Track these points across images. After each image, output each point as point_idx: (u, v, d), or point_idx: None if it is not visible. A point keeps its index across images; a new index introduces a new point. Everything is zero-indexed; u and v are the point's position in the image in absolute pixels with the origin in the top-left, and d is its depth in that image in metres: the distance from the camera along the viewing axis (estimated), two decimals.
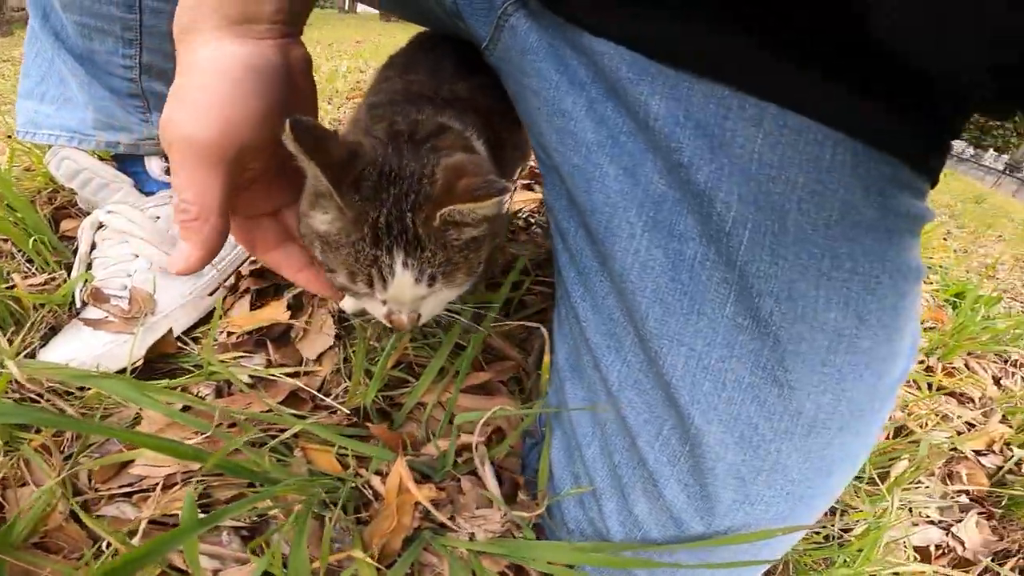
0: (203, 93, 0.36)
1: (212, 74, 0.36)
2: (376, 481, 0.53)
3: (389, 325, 0.46)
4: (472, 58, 0.55)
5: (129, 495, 0.50)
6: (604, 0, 0.41)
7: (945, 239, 1.96)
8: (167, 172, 0.70)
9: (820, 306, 0.39)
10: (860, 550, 0.62)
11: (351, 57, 3.90)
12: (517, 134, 0.63)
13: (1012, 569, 0.75)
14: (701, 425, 0.42)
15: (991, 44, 0.32)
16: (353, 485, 0.52)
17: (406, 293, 0.43)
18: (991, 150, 18.99)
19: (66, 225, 0.72)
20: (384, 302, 0.45)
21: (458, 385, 0.55)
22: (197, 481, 0.50)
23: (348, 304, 0.65)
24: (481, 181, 0.39)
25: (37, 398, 0.55)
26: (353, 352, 0.64)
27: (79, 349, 0.58)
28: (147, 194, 0.70)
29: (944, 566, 0.72)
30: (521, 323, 0.68)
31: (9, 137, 1.04)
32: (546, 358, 0.50)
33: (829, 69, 0.38)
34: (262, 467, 0.48)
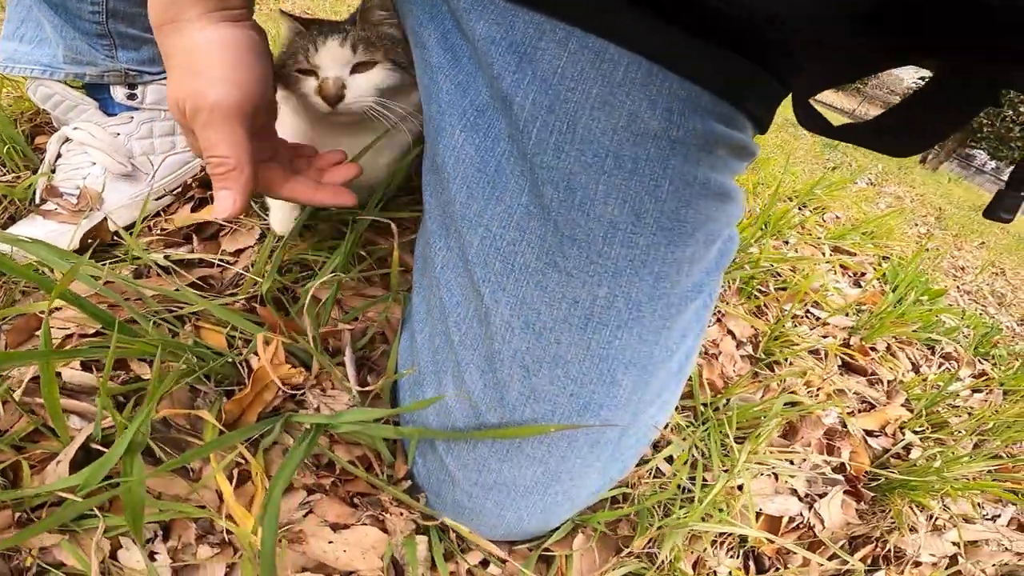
0: (217, 66, 0.43)
1: (219, 50, 0.43)
2: (254, 360, 0.60)
3: (320, 101, 0.58)
4: None
5: None
6: None
7: (922, 236, 1.97)
8: (129, 98, 0.80)
9: (598, 199, 0.46)
10: (700, 501, 0.64)
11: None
12: None
13: (864, 557, 0.74)
14: (490, 304, 0.47)
15: None
16: (230, 360, 0.59)
17: (334, 56, 0.58)
18: (1007, 161, 18.48)
19: (39, 140, 0.83)
20: (316, 75, 0.58)
21: (334, 279, 0.63)
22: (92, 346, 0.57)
23: (276, 221, 0.74)
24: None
25: None
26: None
27: (27, 233, 0.68)
28: (110, 114, 0.80)
29: (795, 542, 0.71)
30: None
31: None
32: (395, 254, 0.57)
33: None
34: (147, 334, 0.56)
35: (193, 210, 0.78)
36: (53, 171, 0.77)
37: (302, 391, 0.61)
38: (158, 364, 0.50)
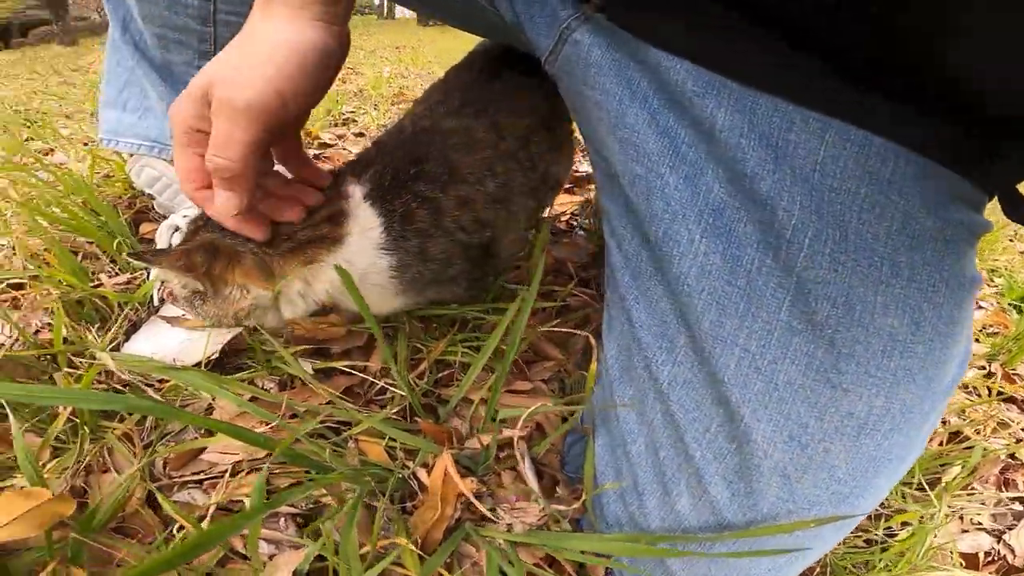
0: (269, 66, 0.41)
1: (283, 50, 0.41)
2: (422, 473, 0.56)
3: None
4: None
5: (199, 482, 0.54)
6: (672, 18, 0.43)
7: (1012, 240, 1.87)
8: None
9: (877, 311, 0.41)
10: (902, 554, 0.62)
11: (392, 63, 3.99)
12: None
13: None
14: (751, 423, 0.43)
15: None
16: (400, 476, 0.55)
17: None
18: None
19: (144, 228, 0.78)
20: None
21: (498, 381, 0.58)
22: (262, 468, 0.54)
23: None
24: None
25: (121, 389, 0.60)
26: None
27: (159, 345, 0.63)
28: None
29: (992, 574, 0.70)
30: (566, 329, 0.70)
31: (84, 144, 1.12)
32: (593, 365, 0.52)
33: (892, 90, 0.40)
34: (321, 457, 0.51)
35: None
36: None
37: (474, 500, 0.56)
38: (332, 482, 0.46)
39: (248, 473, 0.53)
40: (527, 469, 0.57)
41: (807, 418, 0.43)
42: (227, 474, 0.51)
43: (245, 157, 0.42)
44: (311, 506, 0.54)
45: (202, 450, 0.56)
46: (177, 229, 0.73)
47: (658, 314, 0.48)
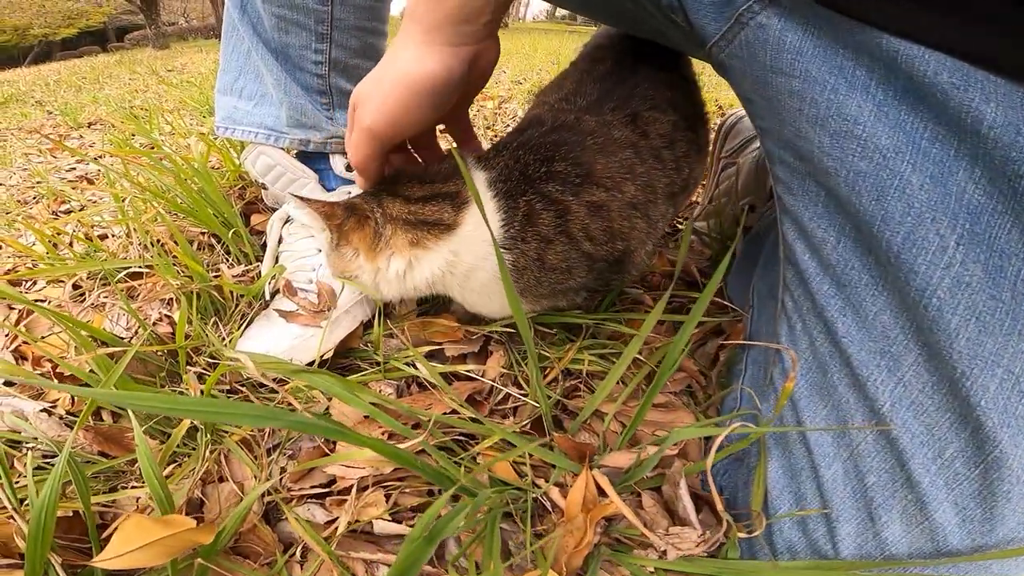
0: (389, 99, 0.48)
1: (404, 84, 0.47)
2: (555, 493, 0.51)
3: None
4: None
5: (320, 496, 0.50)
6: (918, 4, 0.38)
7: None
8: (348, 169, 0.71)
9: None
10: None
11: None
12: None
13: None
14: (1008, 449, 0.38)
15: None
16: (534, 496, 0.50)
17: None
18: None
19: (255, 220, 0.76)
20: None
21: (650, 396, 0.51)
22: (386, 485, 0.49)
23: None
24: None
25: (240, 388, 0.58)
26: (523, 359, 0.62)
27: (274, 340, 0.60)
28: (329, 190, 0.72)
29: None
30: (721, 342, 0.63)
31: (195, 136, 1.14)
32: (789, 384, 0.45)
33: None
34: (454, 474, 0.47)
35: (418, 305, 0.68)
36: (277, 259, 0.70)
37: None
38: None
39: (374, 489, 0.48)
40: (682, 492, 0.50)
41: None
42: (354, 490, 0.47)
43: (365, 162, 0.52)
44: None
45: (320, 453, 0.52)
46: (288, 220, 0.70)
47: (877, 328, 0.42)
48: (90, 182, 1.25)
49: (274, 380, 0.57)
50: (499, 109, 2.21)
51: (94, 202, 1.01)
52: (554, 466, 0.52)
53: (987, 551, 0.41)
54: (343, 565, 0.44)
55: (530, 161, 0.54)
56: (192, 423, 0.52)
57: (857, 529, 0.45)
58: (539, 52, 4.92)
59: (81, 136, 1.98)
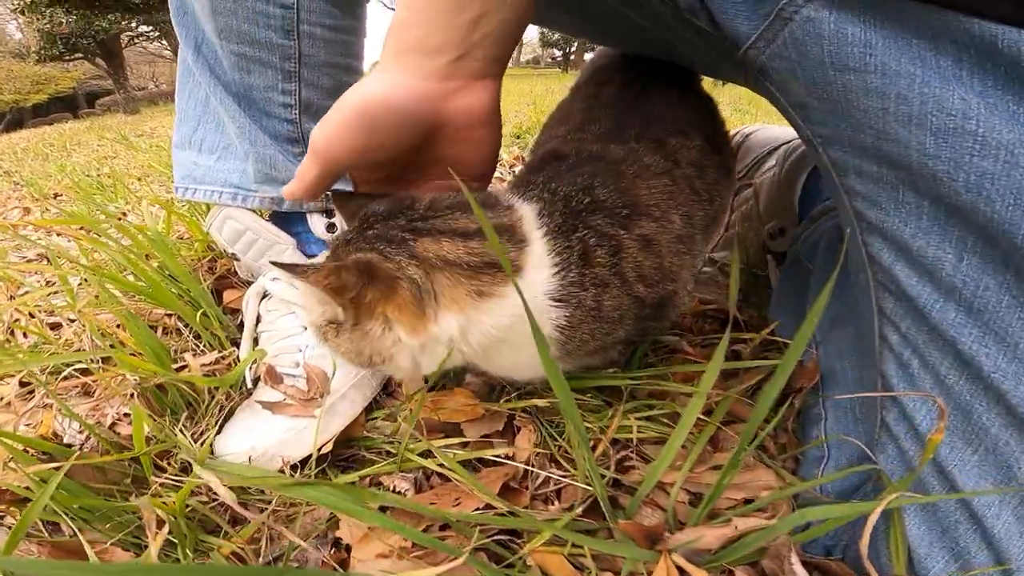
0: (331, 115, 0.44)
1: (347, 102, 0.43)
2: None
3: None
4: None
5: None
6: None
7: None
8: (328, 229, 0.63)
9: None
10: None
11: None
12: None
13: None
14: None
15: None
16: None
17: None
18: None
19: (228, 296, 0.67)
20: None
21: (736, 460, 0.42)
22: None
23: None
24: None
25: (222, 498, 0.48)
26: (558, 432, 0.52)
27: (260, 437, 0.50)
28: (309, 256, 0.63)
29: None
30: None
31: (156, 205, 1.05)
32: (937, 435, 0.37)
33: None
34: None
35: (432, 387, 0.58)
36: (256, 340, 0.60)
37: None
38: None
39: None
40: (796, 567, 0.41)
41: None
42: None
43: (308, 189, 0.46)
44: None
45: None
46: (266, 295, 0.61)
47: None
48: (49, 261, 1.15)
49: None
50: None
51: (51, 283, 0.91)
52: (623, 557, 0.42)
53: None
54: None
55: (571, 193, 0.45)
56: (169, 535, 0.42)
57: None
58: (512, 95, 4.91)
59: (47, 208, 1.88)
